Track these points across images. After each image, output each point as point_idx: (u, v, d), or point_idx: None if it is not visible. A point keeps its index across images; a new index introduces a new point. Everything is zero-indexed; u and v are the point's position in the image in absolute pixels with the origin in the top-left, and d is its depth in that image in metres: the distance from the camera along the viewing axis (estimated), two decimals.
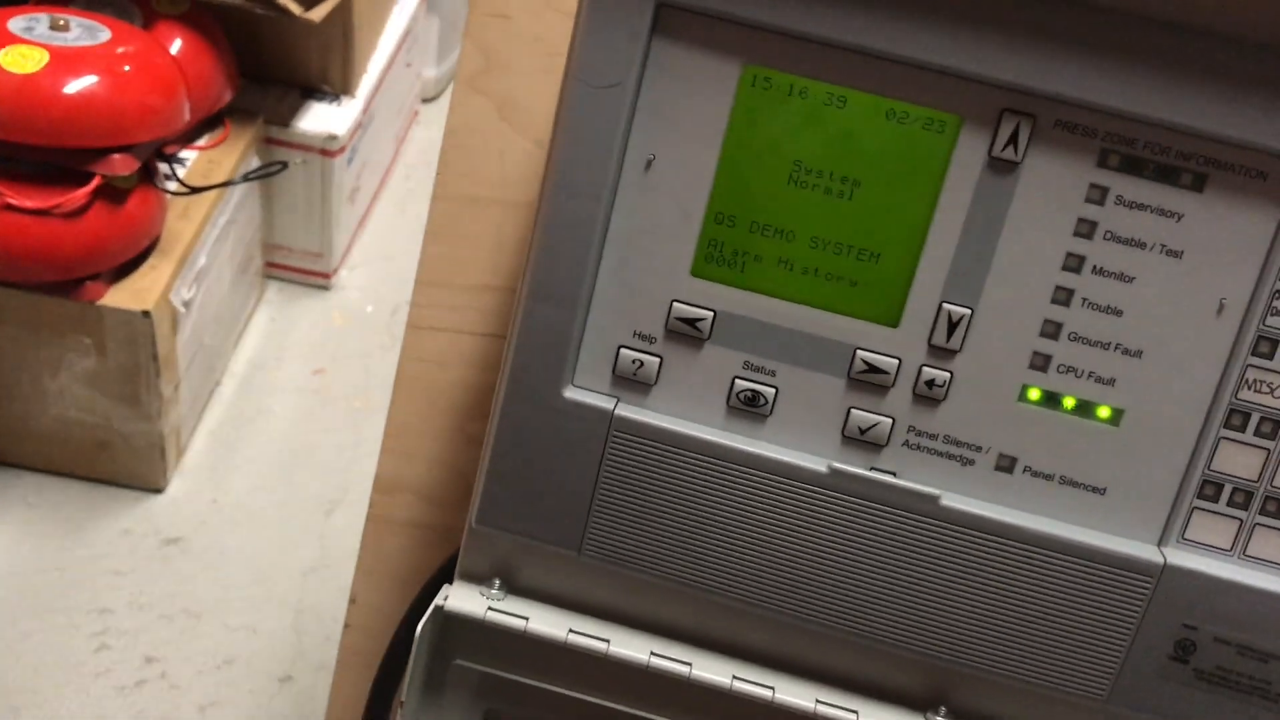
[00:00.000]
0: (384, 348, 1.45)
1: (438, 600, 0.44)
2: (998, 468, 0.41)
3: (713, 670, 0.44)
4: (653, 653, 0.44)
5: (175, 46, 1.19)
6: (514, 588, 0.46)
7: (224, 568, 1.15)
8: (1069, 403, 0.41)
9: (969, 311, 0.40)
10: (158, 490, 1.20)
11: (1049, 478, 0.41)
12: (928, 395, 0.41)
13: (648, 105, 0.40)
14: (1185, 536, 0.41)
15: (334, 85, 1.45)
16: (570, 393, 0.42)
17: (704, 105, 0.40)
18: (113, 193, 1.04)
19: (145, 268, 1.10)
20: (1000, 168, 0.39)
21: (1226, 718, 0.42)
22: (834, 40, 0.38)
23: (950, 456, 0.42)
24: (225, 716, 1.02)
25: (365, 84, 1.49)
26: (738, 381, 0.42)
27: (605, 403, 0.42)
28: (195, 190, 1.15)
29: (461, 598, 0.45)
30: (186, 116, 1.12)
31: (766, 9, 0.38)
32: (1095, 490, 0.41)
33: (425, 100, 1.93)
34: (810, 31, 0.38)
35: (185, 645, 1.07)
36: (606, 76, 0.39)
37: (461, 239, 0.59)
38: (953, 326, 0.40)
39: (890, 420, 0.41)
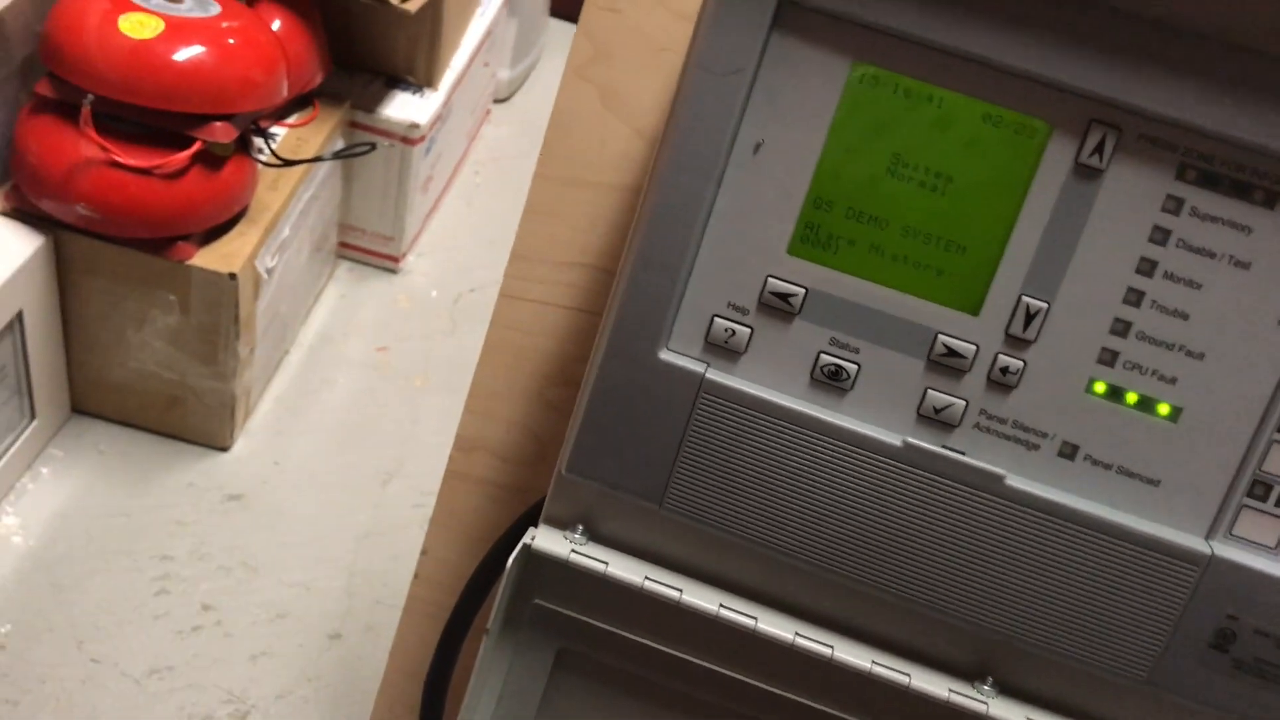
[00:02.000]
0: (444, 332, 1.49)
1: (525, 539, 0.48)
2: (1060, 454, 0.44)
3: (777, 626, 0.47)
4: (721, 605, 0.47)
5: (275, 24, 1.24)
6: (595, 535, 0.49)
7: (282, 526, 1.19)
8: (1132, 398, 0.44)
9: (1046, 305, 0.43)
10: (223, 448, 1.25)
11: (1108, 467, 0.44)
12: (1001, 381, 0.44)
13: (761, 93, 0.43)
14: (1233, 532, 0.44)
15: (418, 77, 1.50)
16: (665, 355, 0.46)
17: (813, 96, 0.43)
18: (211, 159, 1.09)
19: (234, 233, 1.14)
20: (1085, 174, 0.42)
21: (1260, 707, 0.44)
22: (939, 44, 0.42)
23: (1017, 440, 0.44)
24: (275, 666, 1.06)
25: (447, 78, 1.54)
26: (823, 356, 0.45)
27: (696, 366, 0.45)
28: (287, 163, 1.20)
29: (547, 539, 0.48)
30: (284, 92, 1.17)
31: (878, 11, 0.42)
32: (1150, 482, 0.44)
33: (497, 100, 1.97)
34: (917, 34, 0.42)
35: (241, 596, 1.11)
36: (727, 64, 0.43)
37: (557, 217, 0.63)
38: (1030, 318, 0.43)
39: (964, 402, 0.44)
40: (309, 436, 1.30)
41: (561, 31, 2.10)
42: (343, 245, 1.53)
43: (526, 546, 0.48)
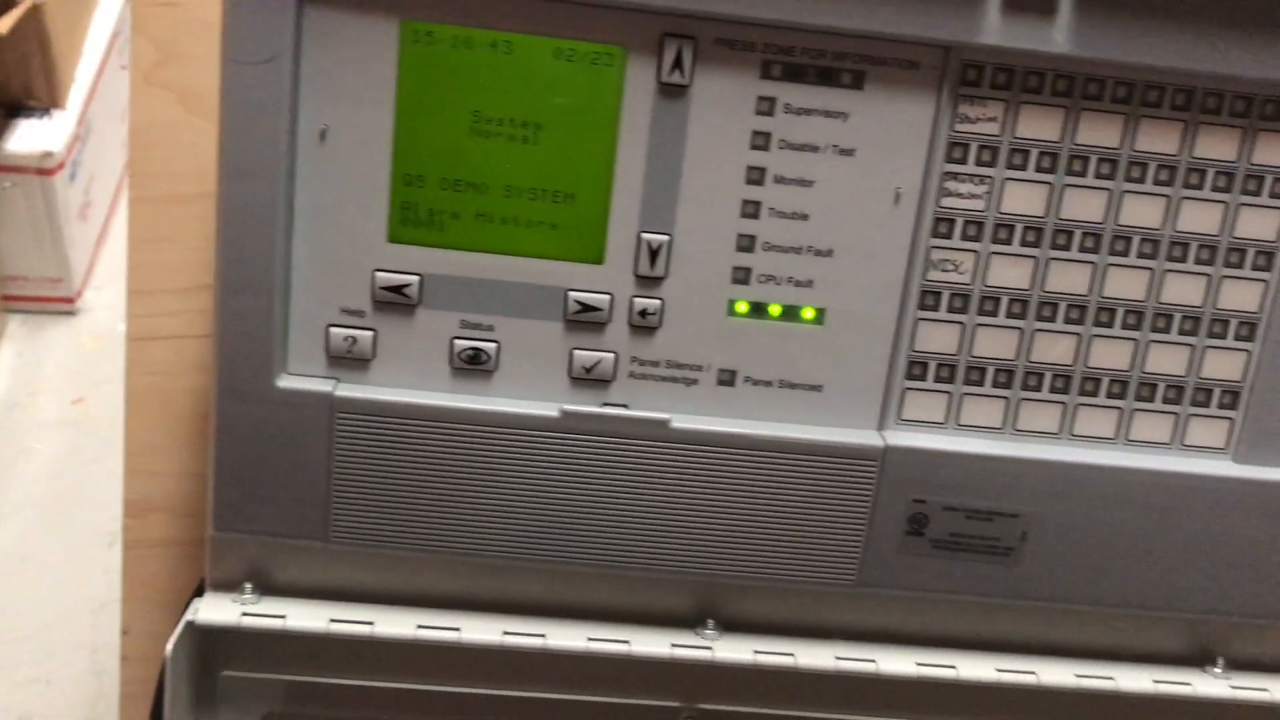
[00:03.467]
0: None
1: (188, 616, 0.43)
2: (720, 383, 0.43)
3: (482, 631, 0.44)
4: (419, 625, 0.43)
5: None
6: (269, 588, 0.44)
7: (4, 622, 1.08)
8: (775, 310, 0.42)
9: (667, 238, 0.41)
10: None
11: (768, 384, 0.43)
12: (643, 325, 0.42)
13: (311, 75, 0.39)
14: (902, 417, 0.43)
15: (40, 99, 1.35)
16: (285, 381, 0.41)
17: (369, 68, 0.39)
18: None
19: None
20: (671, 92, 0.40)
21: (967, 577, 0.44)
22: None
23: (674, 380, 0.42)
24: None
25: (76, 93, 1.40)
26: (457, 341, 0.42)
27: (324, 386, 0.41)
28: None
29: (213, 608, 0.43)
30: None
31: None
32: (813, 388, 0.43)
33: None
34: None
35: None
36: (260, 52, 0.38)
37: (166, 241, 0.57)
38: (654, 254, 0.41)
39: (613, 355, 0.42)
40: (15, 517, 1.18)
41: None
42: (7, 299, 1.39)
43: (190, 624, 0.43)
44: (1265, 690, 0.46)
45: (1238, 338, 0.43)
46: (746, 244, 0.41)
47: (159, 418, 0.59)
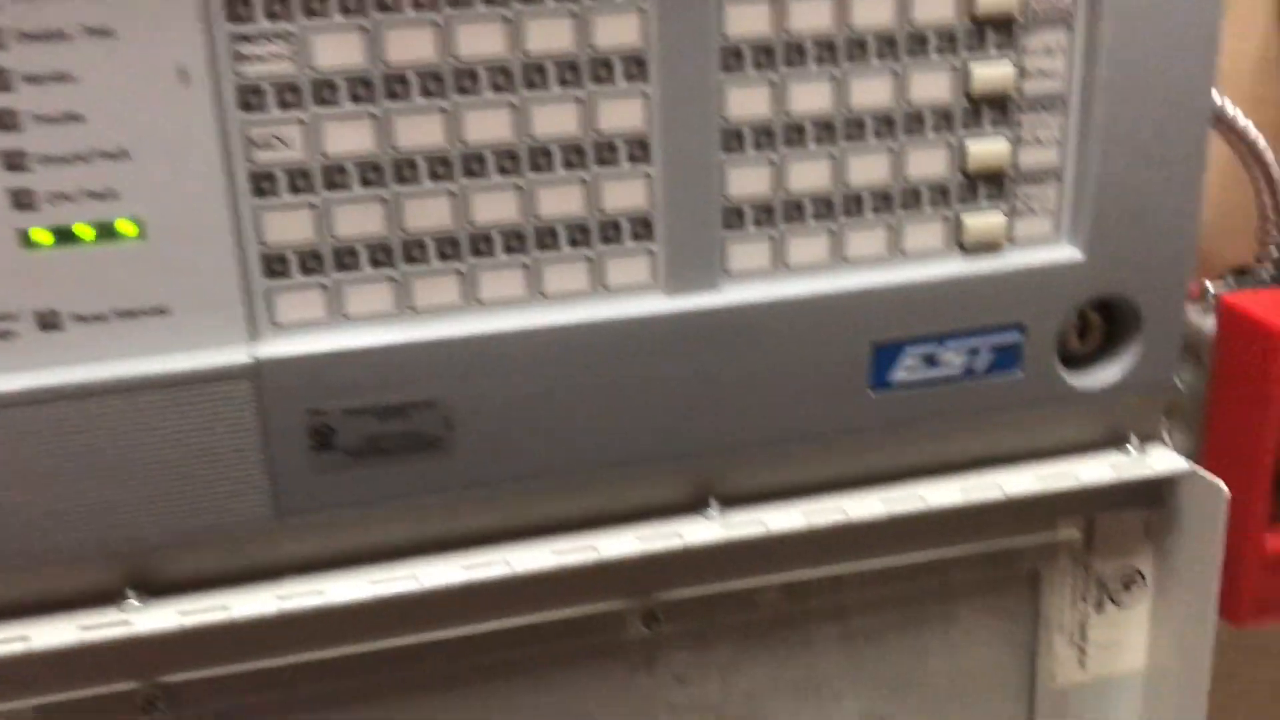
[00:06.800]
0: None
1: None
2: (44, 328, 0.36)
3: None
4: None
5: None
6: None
7: None
8: (85, 232, 0.36)
9: None
10: None
11: (103, 318, 0.37)
12: None
13: None
14: (275, 321, 0.38)
15: None
16: None
17: None
18: None
19: None
20: None
21: (400, 480, 0.40)
22: None
23: None
24: None
25: None
26: None
27: None
28: None
29: None
30: None
31: None
32: (159, 312, 0.37)
33: None
34: None
35: None
36: None
37: None
38: None
39: None
40: None
41: None
42: None
43: None
44: (761, 524, 0.44)
45: (632, 160, 0.40)
46: (17, 161, 0.35)
47: None
